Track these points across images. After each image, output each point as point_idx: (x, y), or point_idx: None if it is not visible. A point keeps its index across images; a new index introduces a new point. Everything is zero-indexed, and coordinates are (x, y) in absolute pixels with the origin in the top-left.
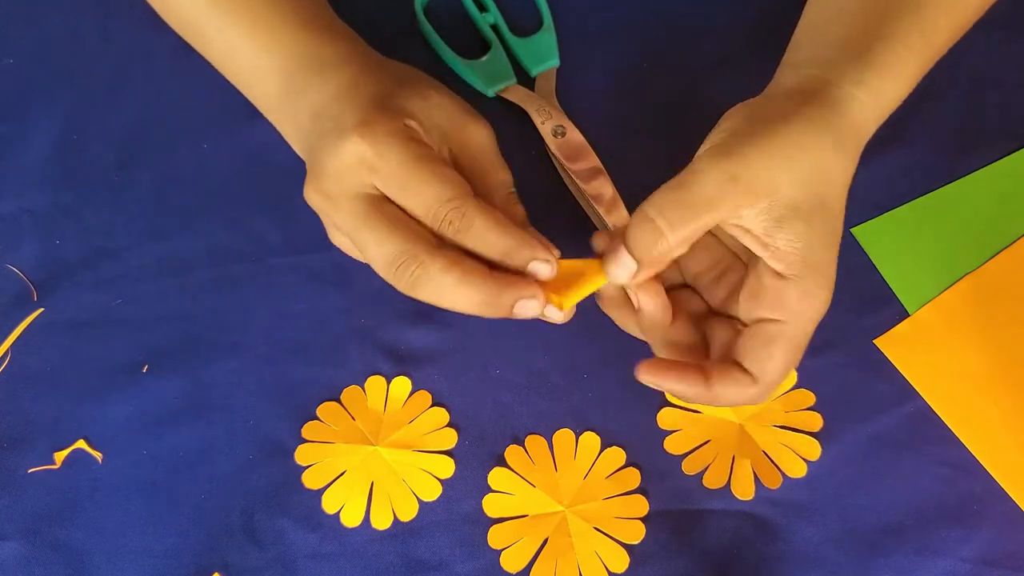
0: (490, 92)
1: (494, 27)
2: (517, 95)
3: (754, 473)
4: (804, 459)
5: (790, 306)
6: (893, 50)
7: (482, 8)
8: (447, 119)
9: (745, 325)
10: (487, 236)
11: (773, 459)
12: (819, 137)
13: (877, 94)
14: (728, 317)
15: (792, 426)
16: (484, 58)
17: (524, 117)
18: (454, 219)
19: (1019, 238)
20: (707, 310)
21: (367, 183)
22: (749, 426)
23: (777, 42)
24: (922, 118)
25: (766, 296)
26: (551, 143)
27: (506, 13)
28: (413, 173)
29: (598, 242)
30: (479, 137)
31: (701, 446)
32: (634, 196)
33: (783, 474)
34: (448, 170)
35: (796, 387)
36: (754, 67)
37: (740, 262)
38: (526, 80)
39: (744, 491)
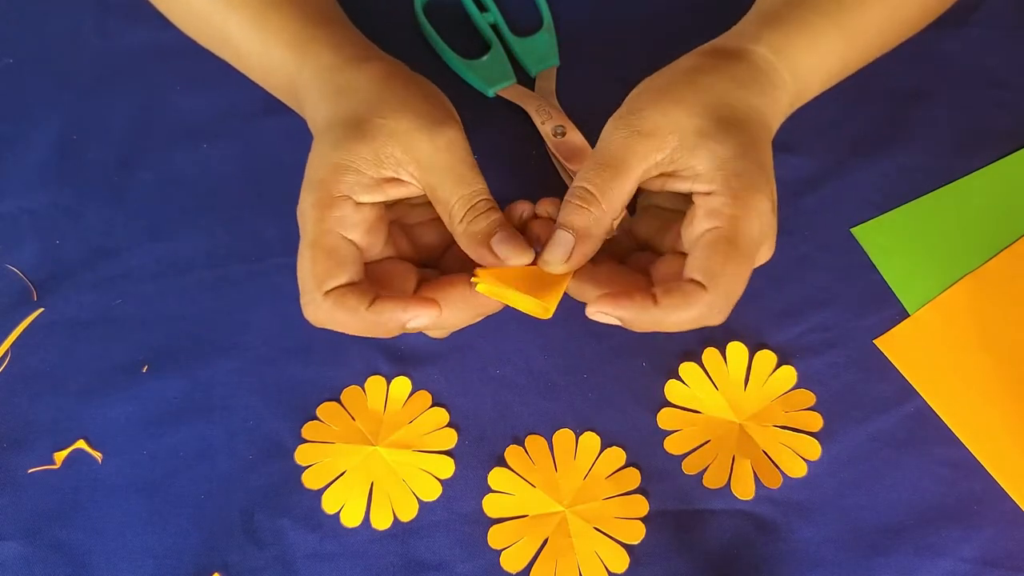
0: (490, 92)
1: (494, 27)
2: (517, 95)
3: (754, 473)
4: (804, 459)
5: (723, 212)
6: (800, 15)
7: (482, 8)
8: (401, 147)
9: None
10: (364, 321)
11: (773, 459)
12: (711, 75)
13: (777, 49)
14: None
15: (792, 426)
16: (484, 58)
17: (524, 117)
18: (336, 301)
19: (1019, 238)
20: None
21: None
22: (749, 426)
23: None
24: (922, 118)
25: (700, 213)
26: (551, 143)
27: (506, 13)
28: (305, 254)
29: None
30: (443, 149)
31: (701, 446)
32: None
33: (783, 474)
34: (339, 267)
35: (796, 387)
36: None
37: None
38: (526, 80)
39: (744, 491)
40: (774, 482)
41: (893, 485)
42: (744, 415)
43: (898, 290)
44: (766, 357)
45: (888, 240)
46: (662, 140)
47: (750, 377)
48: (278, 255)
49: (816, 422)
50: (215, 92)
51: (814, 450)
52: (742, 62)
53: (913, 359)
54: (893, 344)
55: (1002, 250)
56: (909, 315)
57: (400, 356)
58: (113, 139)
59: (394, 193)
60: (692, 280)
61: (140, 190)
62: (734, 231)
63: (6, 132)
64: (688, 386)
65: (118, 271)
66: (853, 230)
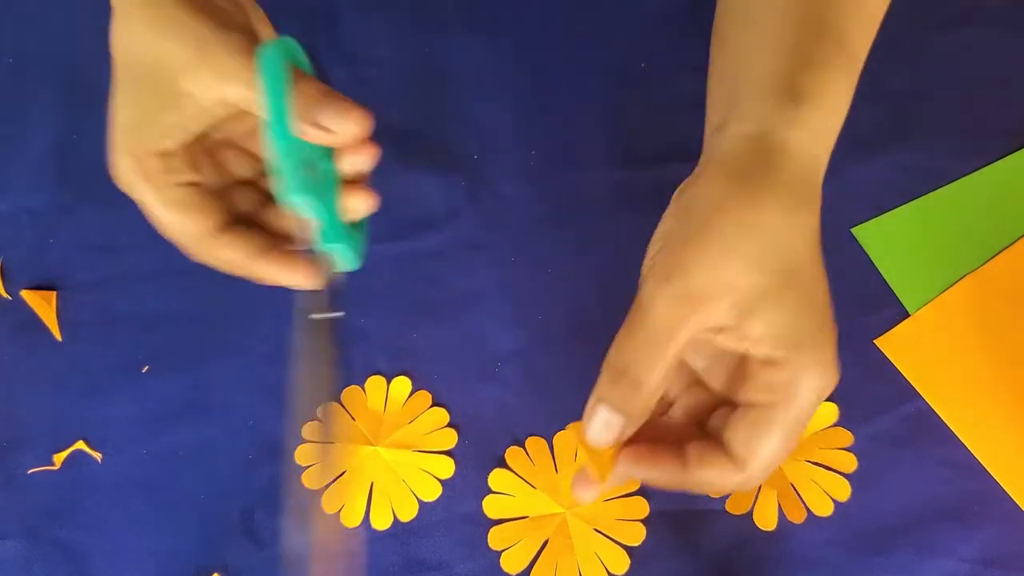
0: None
1: None
2: None
3: (779, 505)
4: (833, 499)
5: (779, 389)
6: (822, 77)
7: None
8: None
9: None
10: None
11: (800, 494)
12: (761, 213)
13: (816, 128)
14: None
15: (825, 463)
16: None
17: None
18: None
19: (1019, 238)
20: (710, 400)
21: None
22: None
23: None
24: (922, 118)
25: (754, 380)
26: None
27: None
28: (155, 219)
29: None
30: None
31: None
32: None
33: (808, 510)
34: (179, 219)
35: (835, 425)
36: None
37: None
38: None
39: (766, 522)
40: (798, 517)
41: (893, 485)
42: None
43: (898, 290)
44: None
45: (888, 240)
46: (714, 305)
47: None
48: None
49: (850, 463)
50: None
51: (844, 491)
52: (790, 167)
53: (913, 359)
54: (893, 344)
55: (1002, 250)
56: (909, 315)
57: (400, 356)
58: None
59: None
60: (728, 454)
61: None
62: (787, 411)
63: (6, 132)
64: None
65: (118, 271)
66: (853, 230)
